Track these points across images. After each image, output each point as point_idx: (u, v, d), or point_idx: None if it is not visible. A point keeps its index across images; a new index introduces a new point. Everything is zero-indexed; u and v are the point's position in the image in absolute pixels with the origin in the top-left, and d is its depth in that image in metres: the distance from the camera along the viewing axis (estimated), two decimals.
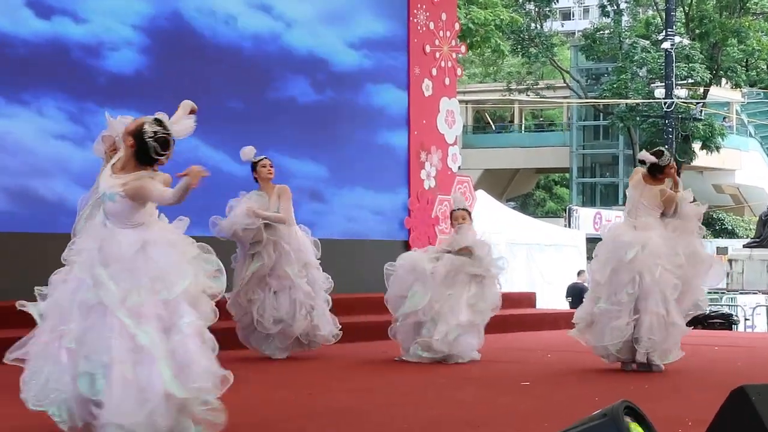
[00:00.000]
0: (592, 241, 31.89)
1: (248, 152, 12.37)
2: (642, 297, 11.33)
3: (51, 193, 14.83)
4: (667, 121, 47.30)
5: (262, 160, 12.43)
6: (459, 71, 20.74)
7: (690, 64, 54.21)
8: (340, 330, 12.43)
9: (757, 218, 44.95)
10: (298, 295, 11.94)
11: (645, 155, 12.07)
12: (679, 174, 12.60)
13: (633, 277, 11.36)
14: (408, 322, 12.46)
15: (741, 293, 32.59)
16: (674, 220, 11.74)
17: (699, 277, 11.65)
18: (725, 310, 25.40)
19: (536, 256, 22.91)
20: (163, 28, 16.29)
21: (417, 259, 12.82)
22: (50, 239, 12.10)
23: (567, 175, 67.36)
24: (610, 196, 64.96)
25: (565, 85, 64.35)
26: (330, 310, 12.46)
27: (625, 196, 13.10)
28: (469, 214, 13.08)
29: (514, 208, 39.08)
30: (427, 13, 19.60)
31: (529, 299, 19.45)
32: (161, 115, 8.28)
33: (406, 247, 18.27)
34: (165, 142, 7.39)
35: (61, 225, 12.42)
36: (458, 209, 13.10)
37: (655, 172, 11.94)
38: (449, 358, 12.36)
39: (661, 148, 12.78)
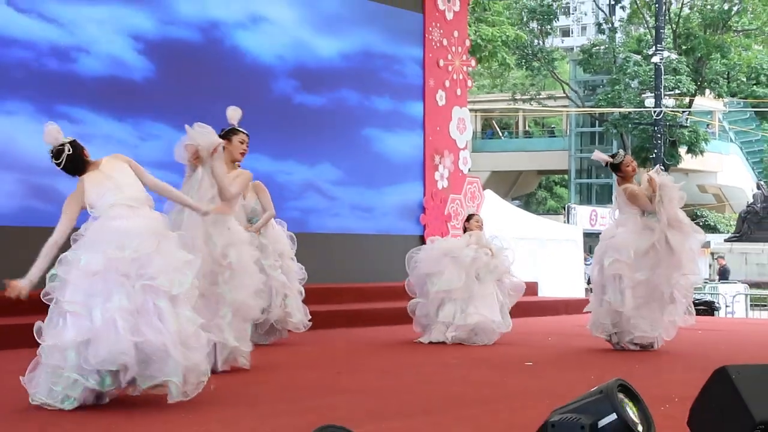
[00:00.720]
0: (589, 236, 31.96)
1: (235, 113, 9.95)
2: (604, 286, 11.66)
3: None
4: (656, 128, 47.12)
5: (239, 133, 10.02)
6: (469, 83, 20.72)
7: (677, 77, 54.06)
8: (309, 320, 11.87)
9: (737, 215, 44.92)
10: (274, 283, 11.33)
11: (597, 155, 12.44)
12: (666, 169, 12.61)
13: (598, 269, 11.76)
14: (436, 298, 12.50)
15: (722, 282, 32.55)
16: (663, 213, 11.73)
17: (680, 267, 11.59)
18: (708, 297, 25.35)
19: (538, 250, 22.88)
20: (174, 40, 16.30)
21: (454, 244, 12.90)
22: None
23: (566, 176, 67.29)
24: (604, 196, 64.87)
25: (564, 95, 64.23)
26: (303, 301, 11.88)
27: (612, 200, 13.08)
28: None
29: (518, 206, 38.91)
30: (441, 31, 19.62)
31: (531, 288, 19.35)
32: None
33: (422, 240, 18.27)
34: None
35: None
36: (475, 215, 13.39)
37: (615, 172, 12.13)
38: (475, 340, 12.44)
39: (620, 150, 12.94)
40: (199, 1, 16.08)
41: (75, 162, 7.67)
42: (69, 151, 7.63)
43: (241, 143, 9.79)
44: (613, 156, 12.21)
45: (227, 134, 9.68)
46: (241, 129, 9.84)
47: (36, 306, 8.18)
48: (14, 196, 14.00)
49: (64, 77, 14.51)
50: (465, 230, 13.37)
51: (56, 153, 7.65)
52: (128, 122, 15.18)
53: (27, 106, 14.09)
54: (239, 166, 9.97)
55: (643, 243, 11.65)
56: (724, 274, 32.45)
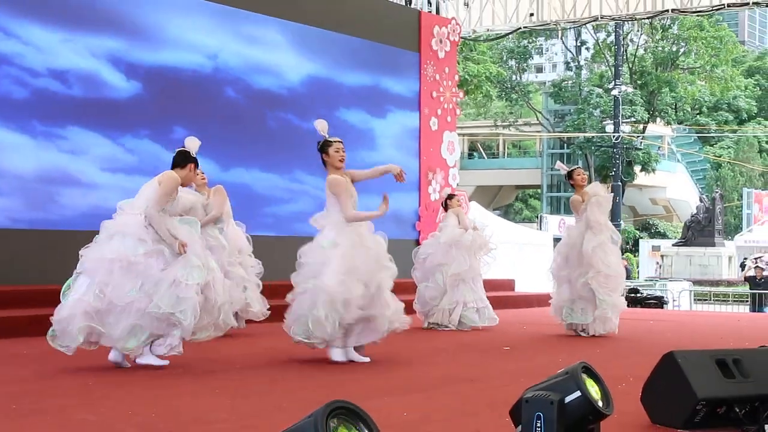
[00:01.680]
0: (558, 241, 31.91)
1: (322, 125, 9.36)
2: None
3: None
4: (615, 150, 47.14)
5: (333, 143, 9.32)
6: (458, 111, 20.68)
7: (633, 107, 54.20)
8: (268, 309, 11.37)
9: (683, 224, 44.95)
10: (234, 277, 10.72)
11: (559, 165, 12.92)
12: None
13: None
14: (451, 282, 12.66)
15: (670, 280, 32.57)
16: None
17: (591, 266, 11.64)
18: (658, 293, 25.33)
19: (515, 252, 22.92)
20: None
21: (456, 234, 12.91)
22: None
23: (539, 190, 67.27)
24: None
25: (538, 122, 64.23)
26: (261, 292, 11.47)
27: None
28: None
29: (499, 215, 38.92)
30: (434, 67, 19.63)
31: (510, 284, 19.46)
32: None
33: (417, 244, 18.26)
34: None
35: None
36: (456, 195, 13.61)
37: (569, 180, 12.36)
38: (476, 320, 12.84)
39: (577, 166, 13.14)
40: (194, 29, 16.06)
41: None
42: None
43: (337, 151, 9.15)
44: (570, 168, 12.44)
45: (323, 147, 9.12)
46: (333, 138, 9.18)
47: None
48: None
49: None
50: (446, 208, 13.45)
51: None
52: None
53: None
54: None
55: (568, 245, 11.99)
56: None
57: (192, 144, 8.66)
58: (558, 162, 13.69)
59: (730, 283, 35.09)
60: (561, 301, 11.98)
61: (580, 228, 11.91)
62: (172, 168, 8.43)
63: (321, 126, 9.15)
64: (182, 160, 8.47)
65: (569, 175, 12.27)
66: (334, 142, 9.11)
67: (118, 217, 8.23)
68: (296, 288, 8.63)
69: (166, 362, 8.07)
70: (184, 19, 15.31)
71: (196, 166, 8.68)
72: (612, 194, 12.70)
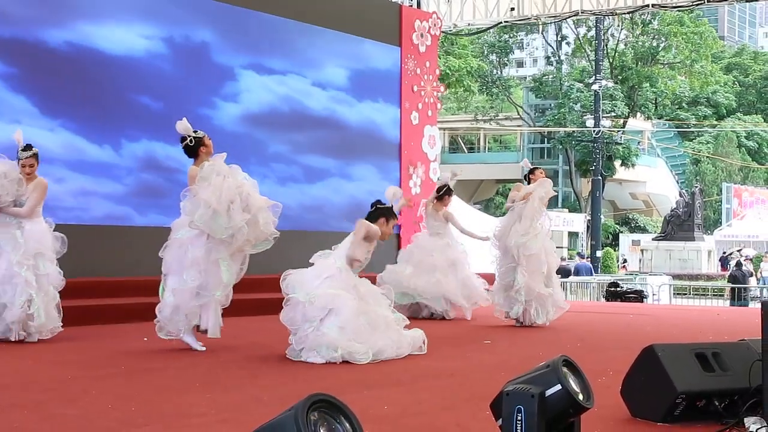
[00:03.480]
0: None
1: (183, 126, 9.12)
2: None
3: None
4: (595, 144, 47.36)
5: (29, 156, 9.45)
6: (439, 105, 20.70)
7: (613, 102, 54.43)
8: (61, 327, 9.81)
9: (663, 218, 45.11)
10: (19, 282, 9.36)
11: (525, 162, 13.78)
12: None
13: None
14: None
15: (650, 275, 32.69)
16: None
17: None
18: (638, 287, 25.40)
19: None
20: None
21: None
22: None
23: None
24: (551, 201, 64.99)
25: (518, 116, 64.35)
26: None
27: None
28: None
29: (479, 209, 39.01)
30: (415, 62, 19.61)
31: (490, 278, 19.41)
32: None
33: (398, 239, 18.31)
34: None
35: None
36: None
37: (530, 176, 12.92)
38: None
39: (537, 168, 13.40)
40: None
41: None
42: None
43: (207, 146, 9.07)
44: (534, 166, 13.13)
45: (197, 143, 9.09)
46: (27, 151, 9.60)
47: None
48: None
49: None
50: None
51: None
52: None
53: None
54: None
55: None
56: (577, 272, 32.15)
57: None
58: (524, 160, 14.23)
59: (709, 278, 35.25)
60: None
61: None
62: None
63: (183, 126, 9.09)
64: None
65: (531, 171, 12.84)
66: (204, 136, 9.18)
67: None
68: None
69: None
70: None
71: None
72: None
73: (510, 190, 13.64)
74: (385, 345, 8.40)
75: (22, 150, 9.61)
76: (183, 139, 9.13)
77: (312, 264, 8.69)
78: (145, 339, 10.03)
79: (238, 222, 8.66)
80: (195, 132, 9.09)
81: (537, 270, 12.09)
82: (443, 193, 13.90)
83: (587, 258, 38.65)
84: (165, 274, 9.11)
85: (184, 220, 8.98)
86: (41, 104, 13.64)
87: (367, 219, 8.72)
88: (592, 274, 32.65)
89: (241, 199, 8.73)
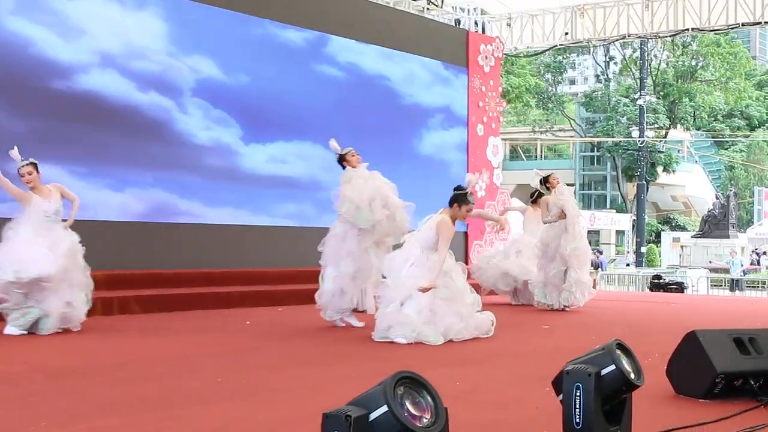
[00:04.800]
0: (589, 232, 31.72)
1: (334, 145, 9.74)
2: None
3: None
4: (639, 153, 46.73)
5: (27, 164, 9.03)
6: (501, 119, 20.66)
7: (656, 115, 53.80)
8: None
9: (701, 218, 44.51)
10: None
11: (536, 172, 13.68)
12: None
13: None
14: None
15: (689, 268, 32.26)
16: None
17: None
18: (678, 279, 25.11)
19: None
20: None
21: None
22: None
23: (572, 188, 66.95)
24: (600, 203, 64.70)
25: (571, 128, 63.89)
26: None
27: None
28: None
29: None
30: (481, 80, 19.58)
31: None
32: None
33: (465, 236, 18.35)
34: None
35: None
36: None
37: (545, 185, 13.21)
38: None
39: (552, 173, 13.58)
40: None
41: None
42: None
43: (468, 211, 8.92)
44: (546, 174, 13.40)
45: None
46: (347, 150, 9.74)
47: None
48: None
49: None
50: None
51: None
52: None
53: None
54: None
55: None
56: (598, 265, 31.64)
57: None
58: (535, 170, 14.50)
59: (743, 272, 34.69)
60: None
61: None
62: None
63: (333, 145, 9.65)
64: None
65: (546, 179, 13.13)
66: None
67: None
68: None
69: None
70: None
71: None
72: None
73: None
74: (451, 322, 8.45)
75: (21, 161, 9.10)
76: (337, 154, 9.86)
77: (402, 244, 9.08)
78: (248, 322, 10.17)
79: (378, 216, 9.33)
80: (342, 150, 9.75)
81: (585, 263, 12.95)
82: (536, 197, 14.05)
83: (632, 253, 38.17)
84: (324, 266, 9.63)
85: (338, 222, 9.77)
86: None
87: (452, 200, 8.86)
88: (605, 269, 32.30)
89: (380, 198, 9.40)
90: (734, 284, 27.61)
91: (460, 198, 8.82)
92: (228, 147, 14.81)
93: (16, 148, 9.13)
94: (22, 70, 12.26)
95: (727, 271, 31.92)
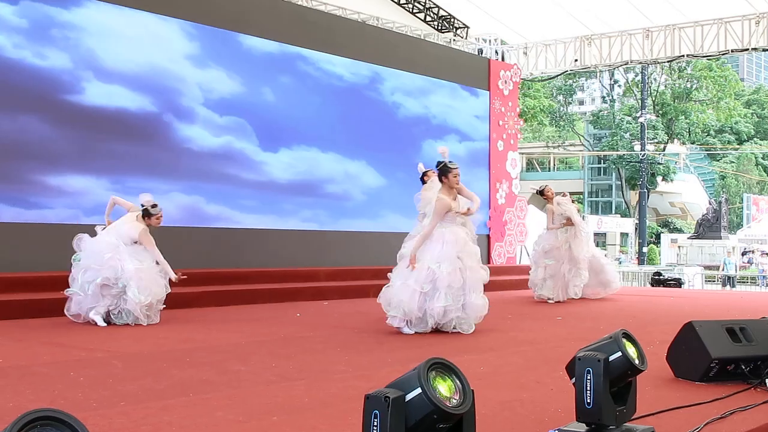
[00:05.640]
0: (596, 235, 31.53)
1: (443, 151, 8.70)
2: None
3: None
4: (641, 164, 46.36)
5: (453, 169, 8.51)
6: (519, 135, 20.59)
7: (655, 131, 53.40)
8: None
9: (695, 222, 44.11)
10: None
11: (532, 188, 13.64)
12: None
13: None
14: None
15: (686, 266, 31.95)
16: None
17: None
18: (676, 275, 24.87)
19: None
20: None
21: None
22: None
23: (581, 196, 66.64)
24: (606, 208, 64.36)
25: (580, 143, 63.67)
26: None
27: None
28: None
29: None
30: (500, 102, 19.54)
31: None
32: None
33: (488, 239, 18.28)
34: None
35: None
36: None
37: (542, 196, 13.60)
38: None
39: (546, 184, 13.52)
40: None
41: None
42: None
43: (455, 176, 8.36)
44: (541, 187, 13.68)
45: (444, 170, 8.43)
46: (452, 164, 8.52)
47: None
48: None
49: None
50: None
51: None
52: None
53: None
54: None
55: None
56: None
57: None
58: (535, 188, 14.47)
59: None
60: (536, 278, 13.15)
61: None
62: None
63: (442, 150, 8.76)
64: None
65: (542, 192, 13.52)
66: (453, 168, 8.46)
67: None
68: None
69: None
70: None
71: None
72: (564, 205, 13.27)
73: (574, 200, 13.70)
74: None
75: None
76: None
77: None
78: (298, 314, 10.18)
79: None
80: (425, 168, 10.05)
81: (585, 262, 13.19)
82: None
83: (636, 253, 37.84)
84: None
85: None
86: None
87: (438, 175, 8.46)
88: None
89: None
90: (727, 280, 27.36)
91: (443, 169, 8.37)
92: (305, 160, 14.89)
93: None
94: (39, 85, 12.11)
95: (718, 268, 31.63)
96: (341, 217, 15.83)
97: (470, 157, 18.74)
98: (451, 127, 18.37)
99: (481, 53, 20.21)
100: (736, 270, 31.57)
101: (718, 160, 65.36)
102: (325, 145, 15.59)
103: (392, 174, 16.67)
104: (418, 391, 2.82)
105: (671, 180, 56.70)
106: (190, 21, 13.55)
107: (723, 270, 30.83)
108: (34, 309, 9.50)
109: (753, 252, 36.50)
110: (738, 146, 62.43)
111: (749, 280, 26.85)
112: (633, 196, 57.60)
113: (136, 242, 9.06)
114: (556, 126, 61.38)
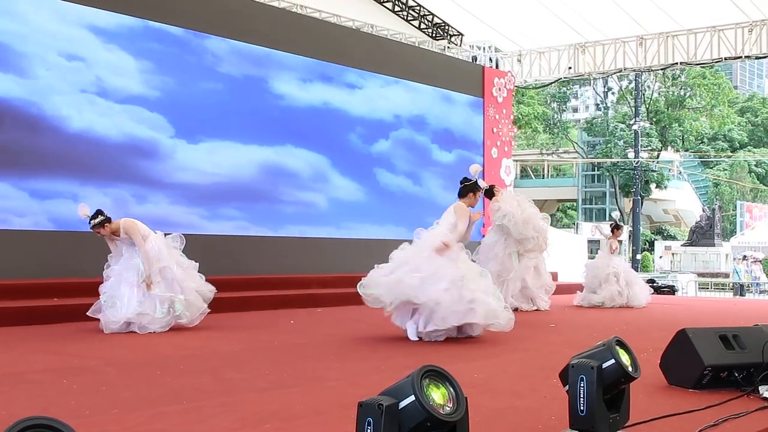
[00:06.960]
0: (590, 242, 31.60)
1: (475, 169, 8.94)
2: None
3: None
4: (635, 172, 46.45)
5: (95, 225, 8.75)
6: (513, 143, 20.62)
7: (649, 138, 53.47)
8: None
9: (689, 229, 44.20)
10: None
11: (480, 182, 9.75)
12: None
13: None
14: None
15: (679, 273, 32.00)
16: None
17: None
18: (670, 283, 24.89)
19: (558, 251, 22.82)
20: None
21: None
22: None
23: (575, 203, 66.67)
24: (600, 216, 64.38)
25: (574, 150, 63.77)
26: None
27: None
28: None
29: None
30: (495, 109, 19.58)
31: (554, 276, 19.20)
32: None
33: None
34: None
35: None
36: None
37: (488, 197, 12.68)
38: None
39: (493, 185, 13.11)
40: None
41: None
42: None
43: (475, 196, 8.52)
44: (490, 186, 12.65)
45: (474, 188, 8.66)
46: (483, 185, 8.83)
47: None
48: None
49: None
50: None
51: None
52: None
53: None
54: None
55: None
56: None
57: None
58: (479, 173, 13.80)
59: (726, 275, 34.40)
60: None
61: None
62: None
63: (475, 169, 8.80)
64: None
65: (491, 188, 12.44)
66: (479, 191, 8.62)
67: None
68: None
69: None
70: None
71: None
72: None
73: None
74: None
75: (91, 218, 8.83)
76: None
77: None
78: (292, 321, 10.17)
79: (529, 234, 11.06)
80: (486, 185, 9.75)
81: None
82: (614, 228, 14.46)
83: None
84: None
85: (490, 233, 11.04)
86: None
87: (459, 194, 8.46)
88: None
89: (533, 223, 11.25)
90: (739, 289, 26.89)
91: (473, 187, 8.49)
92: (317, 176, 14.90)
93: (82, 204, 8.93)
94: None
95: (713, 275, 31.66)
96: (324, 225, 15.86)
97: (464, 165, 18.73)
98: (443, 133, 18.39)
99: (476, 60, 20.25)
100: (744, 277, 31.48)
101: (711, 168, 65.51)
102: (323, 153, 15.61)
103: (388, 185, 16.70)
104: (412, 398, 2.82)
105: (665, 187, 56.87)
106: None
107: (733, 278, 30.72)
108: (25, 316, 9.45)
109: (746, 258, 36.56)
110: (731, 154, 62.58)
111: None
112: (627, 204, 57.66)
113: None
114: (550, 133, 61.48)
